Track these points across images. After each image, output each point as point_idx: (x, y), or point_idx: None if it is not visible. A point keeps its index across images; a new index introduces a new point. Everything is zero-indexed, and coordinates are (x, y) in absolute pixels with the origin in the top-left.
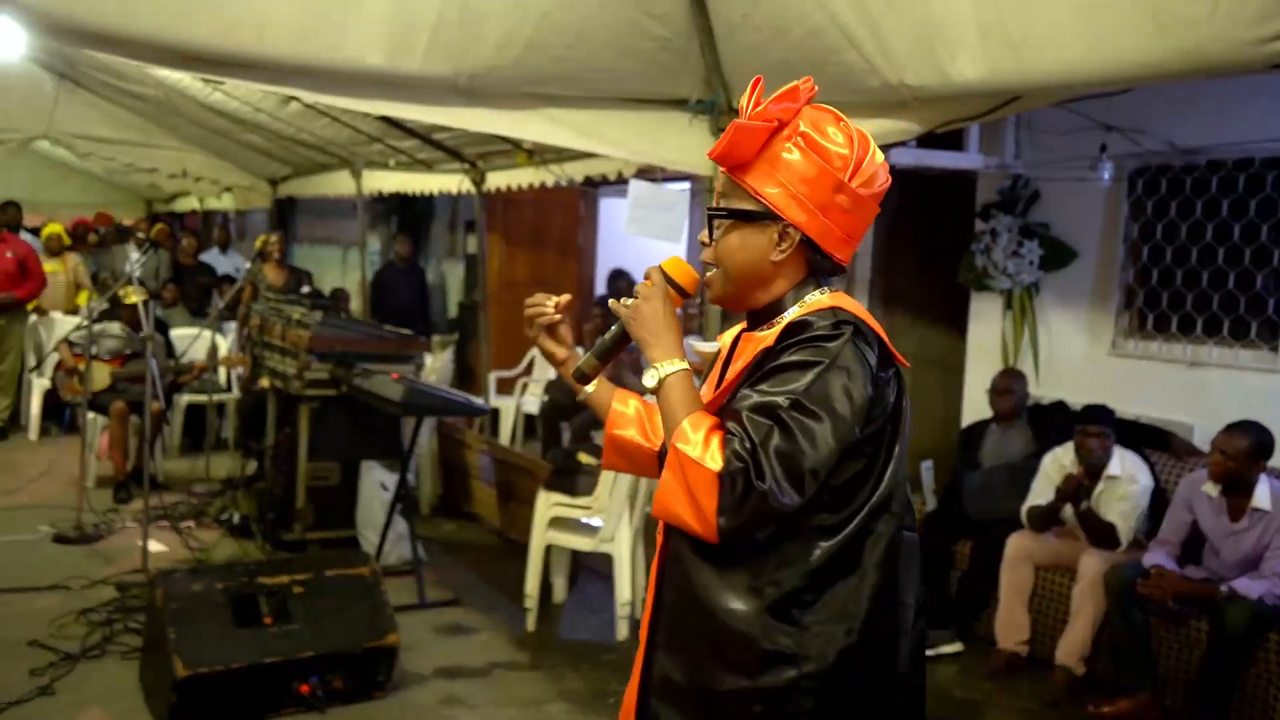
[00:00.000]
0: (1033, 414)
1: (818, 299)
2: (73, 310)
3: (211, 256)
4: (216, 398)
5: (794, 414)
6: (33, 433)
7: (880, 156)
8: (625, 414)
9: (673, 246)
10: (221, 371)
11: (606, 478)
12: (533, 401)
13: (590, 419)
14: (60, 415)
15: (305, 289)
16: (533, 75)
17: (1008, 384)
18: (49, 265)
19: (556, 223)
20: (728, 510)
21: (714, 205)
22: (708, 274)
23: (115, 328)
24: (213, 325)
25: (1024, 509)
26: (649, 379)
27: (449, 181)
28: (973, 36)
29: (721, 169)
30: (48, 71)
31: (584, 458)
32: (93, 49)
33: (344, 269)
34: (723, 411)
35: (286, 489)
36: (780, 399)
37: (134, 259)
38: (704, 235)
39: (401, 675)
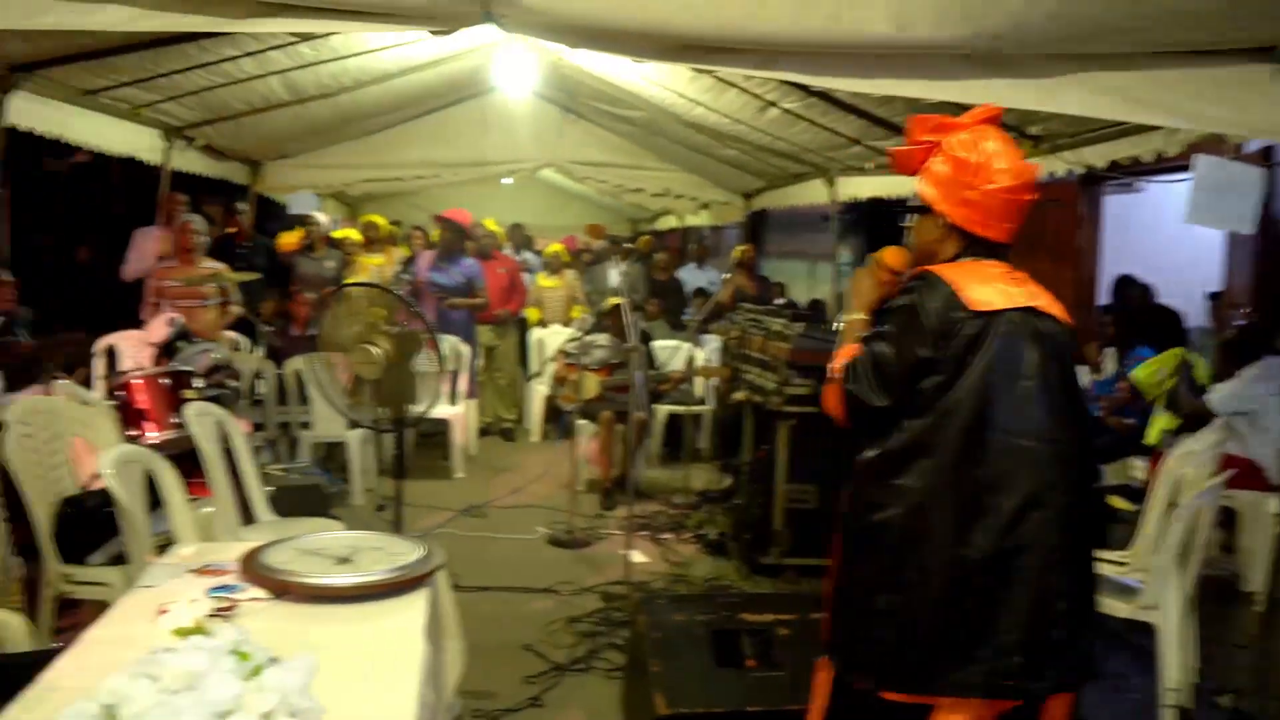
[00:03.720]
0: None
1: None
2: (569, 323)
3: (688, 271)
4: (692, 409)
5: (875, 340)
6: (535, 435)
7: (1004, 163)
8: None
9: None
10: (698, 382)
11: (1149, 528)
12: None
13: (1116, 449)
14: (559, 420)
15: (780, 300)
16: (1071, 30)
17: None
18: (550, 282)
19: (1050, 224)
20: (837, 405)
21: (905, 203)
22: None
23: (603, 339)
24: (690, 337)
25: None
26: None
27: None
28: None
29: None
30: (553, 105)
31: (1116, 501)
32: (587, 47)
33: (811, 282)
34: None
35: (763, 509)
36: (873, 331)
37: (618, 270)
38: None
39: None
